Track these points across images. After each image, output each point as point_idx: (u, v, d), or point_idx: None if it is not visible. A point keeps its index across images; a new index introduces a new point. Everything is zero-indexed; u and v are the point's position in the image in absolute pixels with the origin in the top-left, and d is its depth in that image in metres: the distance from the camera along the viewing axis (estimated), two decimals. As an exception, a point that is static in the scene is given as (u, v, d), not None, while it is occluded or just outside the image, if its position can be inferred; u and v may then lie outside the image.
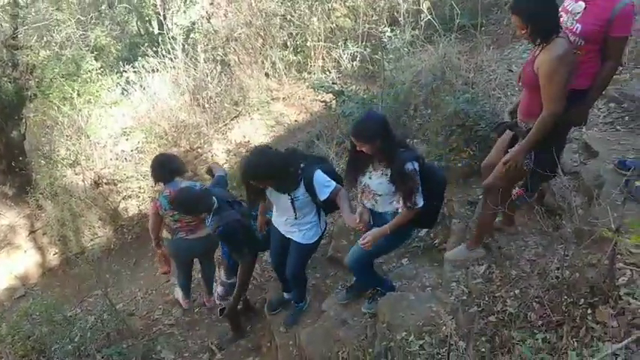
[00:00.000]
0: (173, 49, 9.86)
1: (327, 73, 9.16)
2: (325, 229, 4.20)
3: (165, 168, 4.85)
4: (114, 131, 9.83)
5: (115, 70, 10.80)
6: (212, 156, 8.94)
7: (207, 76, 9.60)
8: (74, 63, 10.03)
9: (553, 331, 2.81)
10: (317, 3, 9.36)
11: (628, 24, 3.26)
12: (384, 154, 3.41)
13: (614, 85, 5.00)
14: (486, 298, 3.47)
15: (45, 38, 10.45)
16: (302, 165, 3.70)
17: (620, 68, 5.05)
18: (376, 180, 3.52)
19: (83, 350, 4.77)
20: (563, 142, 3.98)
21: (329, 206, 3.95)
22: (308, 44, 9.45)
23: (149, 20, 13.64)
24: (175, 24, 11.22)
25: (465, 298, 3.70)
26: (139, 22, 14.08)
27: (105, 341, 5.06)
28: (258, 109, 9.40)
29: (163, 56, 9.94)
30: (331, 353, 3.92)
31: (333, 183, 3.70)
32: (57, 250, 8.91)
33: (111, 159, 9.44)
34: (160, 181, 4.95)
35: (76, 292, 7.55)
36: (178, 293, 5.84)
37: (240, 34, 9.93)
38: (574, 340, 2.64)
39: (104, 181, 9.16)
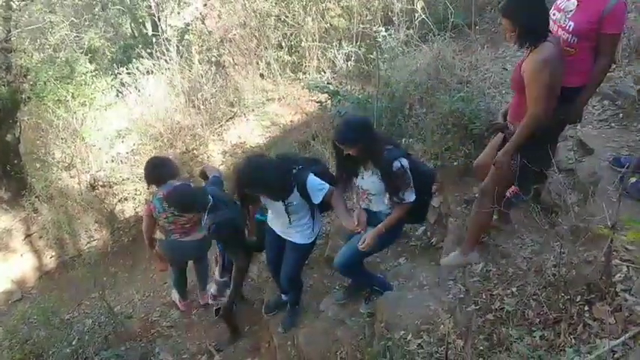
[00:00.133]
0: (167, 50, 9.83)
1: (322, 73, 9.15)
2: (320, 229, 4.21)
3: (158, 171, 4.86)
4: (109, 134, 9.79)
5: (110, 73, 10.75)
6: (208, 157, 8.92)
7: (202, 77, 9.58)
8: (68, 65, 9.98)
9: (550, 328, 2.83)
10: (311, 3, 9.33)
11: (620, 21, 3.29)
12: (370, 155, 3.43)
13: (608, 82, 5.02)
14: (484, 297, 3.49)
15: (39, 41, 10.43)
16: (294, 170, 3.68)
17: (614, 66, 5.07)
18: (368, 179, 3.55)
19: (81, 353, 4.76)
20: (556, 139, 4.01)
21: (323, 205, 3.96)
22: (302, 44, 9.43)
23: (143, 22, 13.60)
24: (169, 25, 11.18)
25: (462, 296, 3.71)
26: (132, 24, 14.04)
27: (103, 344, 5.05)
28: (253, 110, 9.38)
29: (158, 58, 9.91)
30: (329, 353, 3.93)
31: (326, 185, 3.70)
32: (53, 254, 8.88)
33: (106, 161, 9.41)
34: (153, 184, 4.97)
35: (73, 295, 7.52)
36: (175, 295, 5.84)
37: (234, 35, 9.90)
38: (571, 337, 2.66)
39: (100, 183, 9.12)
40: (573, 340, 2.63)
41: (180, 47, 10.09)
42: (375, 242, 3.60)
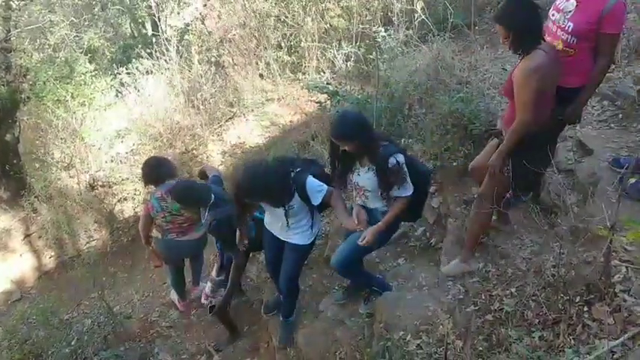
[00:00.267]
0: (167, 50, 9.83)
1: (322, 73, 9.14)
2: (319, 229, 4.21)
3: (156, 170, 4.89)
4: (108, 134, 9.78)
5: (109, 73, 10.75)
6: (207, 157, 8.92)
7: (201, 77, 9.57)
8: (68, 65, 9.98)
9: (550, 329, 2.83)
10: (311, 3, 9.33)
11: (619, 21, 3.29)
12: (366, 151, 3.44)
13: (608, 82, 5.02)
14: (483, 297, 3.49)
15: (38, 41, 10.43)
16: (292, 173, 3.67)
17: (613, 66, 5.08)
18: (364, 176, 3.56)
19: (80, 354, 4.76)
20: (555, 140, 4.02)
21: (322, 205, 3.95)
22: (302, 45, 9.43)
23: (143, 22, 13.59)
24: (169, 26, 11.18)
25: (461, 297, 3.72)
26: (132, 24, 14.03)
27: (102, 344, 5.06)
28: (252, 110, 9.37)
29: (157, 58, 9.91)
30: (329, 353, 3.93)
31: (325, 187, 3.69)
32: (53, 254, 8.87)
33: (106, 161, 9.40)
34: (151, 184, 5.00)
35: (73, 296, 7.51)
36: (174, 295, 5.84)
37: (234, 35, 9.90)
38: (570, 337, 2.66)
39: (99, 183, 9.12)
40: (572, 341, 2.64)
41: (180, 47, 10.09)
42: (375, 239, 3.60)
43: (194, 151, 9.05)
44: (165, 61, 9.86)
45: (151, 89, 9.85)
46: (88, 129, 9.58)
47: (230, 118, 9.48)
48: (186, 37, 10.41)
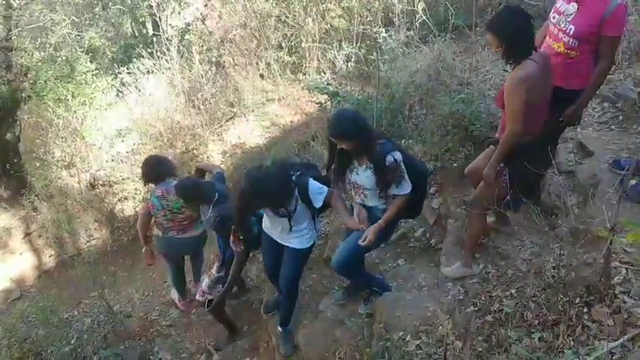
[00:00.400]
0: (168, 50, 9.84)
1: (322, 74, 9.15)
2: (319, 230, 4.20)
3: (156, 169, 4.92)
4: (109, 133, 9.79)
5: (110, 72, 10.75)
6: (207, 157, 8.92)
7: (202, 77, 9.58)
8: (69, 65, 9.99)
9: (549, 330, 2.83)
10: (311, 4, 9.34)
11: (621, 24, 3.30)
12: (364, 149, 3.45)
13: (608, 84, 5.03)
14: (483, 298, 3.49)
15: (39, 40, 10.43)
16: (293, 177, 3.65)
17: (614, 68, 5.08)
18: (363, 174, 3.57)
19: (80, 352, 4.76)
20: (556, 141, 4.03)
21: (322, 207, 3.95)
22: (303, 45, 9.44)
23: (143, 22, 13.59)
24: (170, 25, 11.19)
25: (461, 297, 3.72)
26: (133, 24, 14.02)
27: (102, 343, 5.05)
28: (253, 111, 9.38)
29: (158, 58, 9.92)
30: (328, 353, 3.93)
31: (325, 188, 3.69)
32: (53, 252, 8.88)
33: (106, 161, 9.41)
34: (151, 182, 5.01)
35: (73, 294, 7.52)
36: (175, 294, 5.85)
37: (234, 35, 9.91)
38: (570, 338, 2.66)
39: (100, 182, 9.13)
40: (572, 342, 2.64)
41: (181, 47, 10.09)
42: (376, 238, 3.60)
43: (194, 151, 9.06)
44: (166, 60, 9.86)
45: (152, 89, 9.86)
46: (88, 128, 9.59)
47: (230, 118, 9.49)
48: (187, 36, 10.42)
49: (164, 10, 10.99)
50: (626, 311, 2.61)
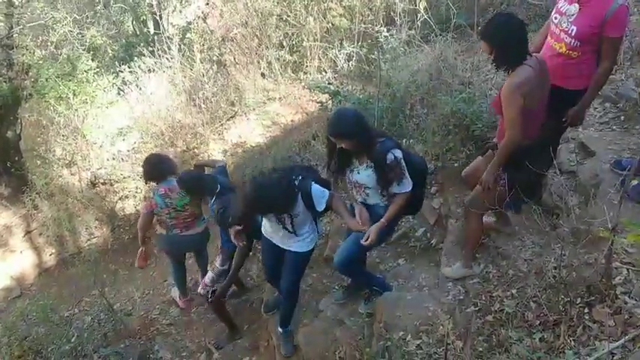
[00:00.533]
0: (169, 49, 9.84)
1: (323, 73, 9.15)
2: (320, 232, 4.20)
3: (158, 167, 4.94)
4: (110, 131, 9.78)
5: (111, 70, 10.74)
6: (208, 156, 8.91)
7: (203, 76, 9.57)
8: (70, 63, 9.98)
9: (550, 330, 2.83)
10: (313, 2, 9.33)
11: (622, 25, 3.30)
12: (364, 148, 3.45)
13: (610, 85, 5.02)
14: (483, 298, 3.49)
15: (41, 38, 10.41)
16: (296, 182, 3.64)
17: (616, 67, 5.08)
18: (363, 173, 3.56)
19: (80, 350, 4.76)
20: (557, 142, 4.03)
21: (323, 210, 3.94)
22: (304, 44, 9.43)
23: (145, 20, 13.57)
24: (171, 24, 11.18)
25: (462, 297, 3.72)
26: (134, 22, 14.00)
27: (102, 341, 5.06)
28: (254, 109, 9.37)
29: (159, 56, 9.91)
30: (328, 353, 3.92)
31: (327, 191, 3.69)
32: (53, 251, 8.87)
33: (107, 159, 9.40)
34: (153, 181, 5.02)
35: (73, 293, 7.51)
36: (175, 292, 5.86)
37: (236, 34, 9.90)
38: (571, 339, 2.66)
39: (101, 181, 9.13)
40: (573, 342, 2.63)
41: (182, 46, 10.08)
42: (379, 237, 3.60)
43: (195, 150, 9.05)
44: (167, 59, 9.86)
45: (153, 87, 9.85)
46: (89, 126, 9.58)
47: (231, 117, 9.48)
48: (188, 35, 10.41)
49: (165, 9, 10.99)
50: (627, 312, 2.60)
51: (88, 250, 8.49)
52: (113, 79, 10.38)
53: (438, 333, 3.32)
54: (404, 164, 3.48)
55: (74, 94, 9.60)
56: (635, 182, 3.40)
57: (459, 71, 6.00)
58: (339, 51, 8.74)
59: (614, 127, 4.68)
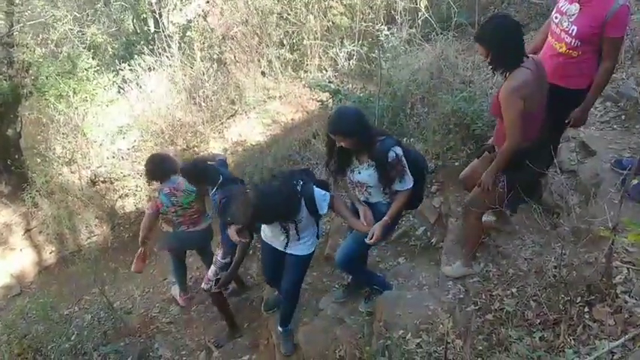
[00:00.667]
0: (169, 47, 9.83)
1: (324, 71, 9.15)
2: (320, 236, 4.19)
3: (162, 167, 4.95)
4: (110, 129, 9.79)
5: (111, 69, 10.74)
6: (208, 155, 8.93)
7: (203, 74, 9.56)
8: (70, 61, 9.99)
9: (550, 329, 2.83)
10: (313, 1, 9.33)
11: (623, 25, 3.29)
12: (364, 147, 3.45)
13: (611, 84, 5.01)
14: (483, 297, 3.49)
15: (41, 36, 10.41)
16: (298, 187, 3.61)
17: (617, 66, 5.07)
18: (365, 173, 3.55)
19: (80, 349, 4.77)
20: (558, 141, 4.02)
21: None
22: (304, 42, 9.43)
23: (145, 18, 13.57)
24: (171, 22, 11.18)
25: (462, 296, 3.72)
26: (134, 20, 14.00)
27: (102, 339, 5.07)
28: (254, 108, 9.38)
29: (160, 54, 9.91)
30: (328, 351, 3.92)
31: (328, 194, 3.68)
32: (53, 249, 8.88)
33: (107, 157, 9.41)
34: (157, 180, 5.02)
35: (73, 291, 7.52)
36: (175, 290, 5.86)
37: (236, 32, 9.90)
38: (571, 338, 2.66)
39: (101, 179, 9.13)
40: (573, 342, 2.63)
41: (182, 44, 10.08)
42: (383, 234, 3.59)
43: (195, 148, 9.05)
44: (168, 57, 9.86)
45: (153, 86, 9.86)
46: (89, 125, 9.59)
47: (232, 116, 9.49)
48: (188, 33, 10.40)
49: (165, 7, 10.98)
50: (627, 311, 2.60)
51: (88, 248, 8.50)
52: (113, 77, 10.38)
53: (438, 332, 3.31)
54: (405, 161, 3.48)
55: (74, 92, 9.60)
56: (635, 181, 3.39)
57: (459, 70, 5.99)
58: (339, 49, 8.73)
59: (615, 127, 4.67)
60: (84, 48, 10.55)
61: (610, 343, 2.44)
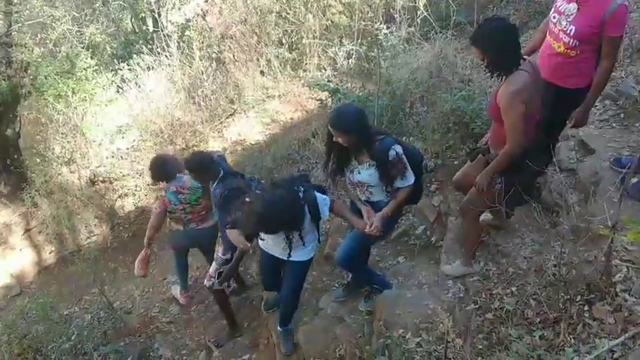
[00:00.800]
0: (168, 46, 9.83)
1: (323, 70, 9.15)
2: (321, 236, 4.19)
3: (168, 167, 5.00)
4: (109, 129, 9.78)
5: (110, 68, 10.74)
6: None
7: (202, 73, 9.56)
8: (69, 61, 9.98)
9: (550, 328, 2.83)
10: (312, 0, 9.34)
11: (621, 24, 3.28)
12: (362, 146, 3.45)
13: (610, 82, 5.01)
14: (483, 296, 3.49)
15: (39, 35, 10.40)
16: (301, 195, 3.57)
17: (616, 64, 5.06)
18: (365, 172, 3.55)
19: (80, 348, 4.77)
20: (556, 139, 4.02)
21: None
22: (303, 41, 9.42)
23: (144, 18, 13.56)
24: (170, 21, 11.17)
25: (461, 295, 3.72)
26: (133, 20, 13.99)
27: (102, 339, 5.07)
28: (253, 107, 9.38)
29: (158, 54, 9.91)
30: (328, 350, 3.93)
31: (328, 198, 3.69)
32: (53, 249, 8.87)
33: (107, 157, 9.41)
34: (162, 181, 5.04)
35: (73, 291, 7.52)
36: (176, 290, 5.86)
37: (235, 31, 9.90)
38: (571, 336, 2.66)
39: (100, 179, 9.13)
40: (573, 340, 2.64)
41: (181, 43, 10.08)
42: (383, 225, 3.59)
43: (194, 148, 9.03)
44: (166, 57, 9.85)
45: (152, 85, 9.86)
46: (88, 124, 9.58)
47: (231, 115, 9.49)
48: (187, 33, 10.39)
49: (164, 6, 10.97)
50: (626, 309, 2.61)
51: (88, 248, 8.49)
52: (112, 76, 10.37)
53: (438, 331, 3.32)
54: (405, 159, 3.49)
55: (73, 92, 9.60)
56: (634, 180, 3.39)
57: (458, 69, 5.99)
58: (338, 48, 8.73)
59: (614, 125, 4.66)
60: (82, 47, 10.54)
61: (610, 341, 2.44)
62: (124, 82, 10.05)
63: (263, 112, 9.24)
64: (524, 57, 3.17)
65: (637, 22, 5.65)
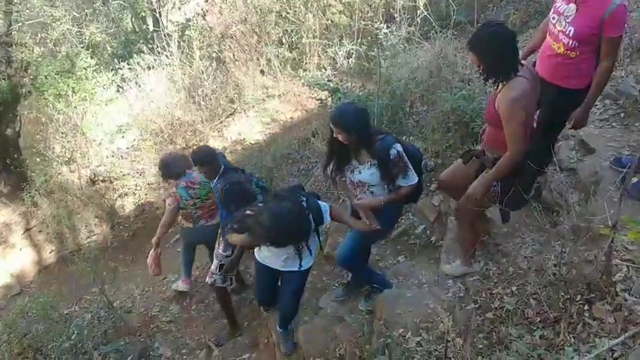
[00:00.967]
0: (168, 46, 9.83)
1: (323, 70, 9.16)
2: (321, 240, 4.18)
3: (178, 164, 5.06)
4: (109, 129, 9.80)
5: (110, 68, 10.74)
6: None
7: (202, 73, 9.57)
8: (69, 60, 9.99)
9: (550, 327, 2.83)
10: (312, -1, 9.36)
11: (621, 24, 3.28)
12: (362, 145, 3.45)
13: (610, 81, 5.01)
14: (483, 295, 3.48)
15: (39, 35, 10.41)
16: (305, 204, 3.52)
17: (616, 64, 5.06)
18: (366, 172, 3.53)
19: (80, 348, 4.76)
20: (555, 139, 4.02)
21: None
22: (303, 41, 9.43)
23: (144, 17, 13.56)
24: (170, 21, 11.17)
25: (462, 295, 3.72)
26: (133, 19, 13.99)
27: (102, 338, 5.07)
28: (253, 107, 9.39)
29: (158, 53, 9.91)
30: (328, 350, 3.93)
31: (326, 204, 3.68)
32: (53, 248, 8.88)
33: (107, 156, 9.42)
34: (172, 179, 5.09)
35: (73, 290, 7.51)
36: (176, 285, 5.84)
37: (235, 31, 9.90)
38: (571, 336, 2.66)
39: (100, 178, 9.14)
40: (573, 339, 2.63)
41: (181, 43, 10.08)
42: (365, 231, 3.59)
43: (195, 147, 9.05)
44: (167, 56, 9.86)
45: (152, 85, 9.87)
46: (89, 124, 9.59)
47: (231, 114, 9.50)
48: (187, 32, 10.40)
49: (164, 6, 10.98)
50: (627, 309, 2.60)
51: (88, 247, 8.50)
52: (112, 76, 10.38)
53: (438, 330, 3.32)
54: (406, 158, 3.48)
55: (73, 92, 9.60)
56: (635, 180, 3.39)
57: (458, 68, 5.99)
58: (338, 48, 8.74)
59: (614, 124, 4.66)
60: (82, 47, 10.55)
61: (610, 341, 2.44)
62: (124, 81, 10.06)
63: (263, 112, 9.25)
64: (522, 62, 3.16)
65: (637, 22, 5.65)
